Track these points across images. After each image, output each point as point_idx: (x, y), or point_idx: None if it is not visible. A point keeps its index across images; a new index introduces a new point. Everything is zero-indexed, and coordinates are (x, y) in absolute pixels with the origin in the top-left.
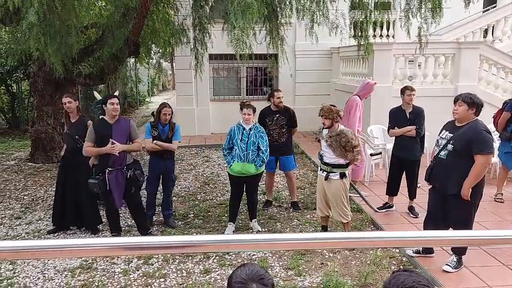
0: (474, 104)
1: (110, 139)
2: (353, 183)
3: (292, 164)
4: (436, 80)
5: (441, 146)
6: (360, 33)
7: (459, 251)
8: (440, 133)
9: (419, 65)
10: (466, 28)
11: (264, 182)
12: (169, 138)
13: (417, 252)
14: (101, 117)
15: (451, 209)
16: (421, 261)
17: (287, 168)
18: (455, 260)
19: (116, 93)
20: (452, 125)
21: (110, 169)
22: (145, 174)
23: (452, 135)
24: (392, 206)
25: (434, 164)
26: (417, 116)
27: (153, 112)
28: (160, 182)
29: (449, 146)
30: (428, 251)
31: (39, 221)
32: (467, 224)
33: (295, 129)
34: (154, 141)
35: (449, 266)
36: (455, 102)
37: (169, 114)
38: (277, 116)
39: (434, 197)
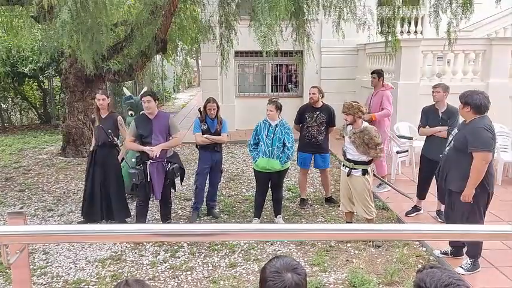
0: (467, 103)
1: (149, 147)
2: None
3: (328, 162)
4: (466, 77)
5: (448, 143)
6: (387, 30)
7: (473, 254)
8: (452, 131)
9: (448, 62)
10: (497, 24)
11: (289, 179)
12: (218, 132)
13: (444, 253)
14: (141, 112)
15: (455, 205)
16: (448, 262)
17: (323, 166)
18: (469, 262)
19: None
20: (463, 123)
21: (151, 161)
22: (186, 168)
23: (458, 131)
24: (420, 210)
25: (442, 161)
26: (450, 116)
27: (199, 108)
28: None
29: (452, 143)
30: (456, 253)
31: (71, 213)
32: (471, 223)
33: (332, 128)
34: (205, 136)
35: (463, 268)
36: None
37: (214, 109)
38: (317, 113)
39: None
